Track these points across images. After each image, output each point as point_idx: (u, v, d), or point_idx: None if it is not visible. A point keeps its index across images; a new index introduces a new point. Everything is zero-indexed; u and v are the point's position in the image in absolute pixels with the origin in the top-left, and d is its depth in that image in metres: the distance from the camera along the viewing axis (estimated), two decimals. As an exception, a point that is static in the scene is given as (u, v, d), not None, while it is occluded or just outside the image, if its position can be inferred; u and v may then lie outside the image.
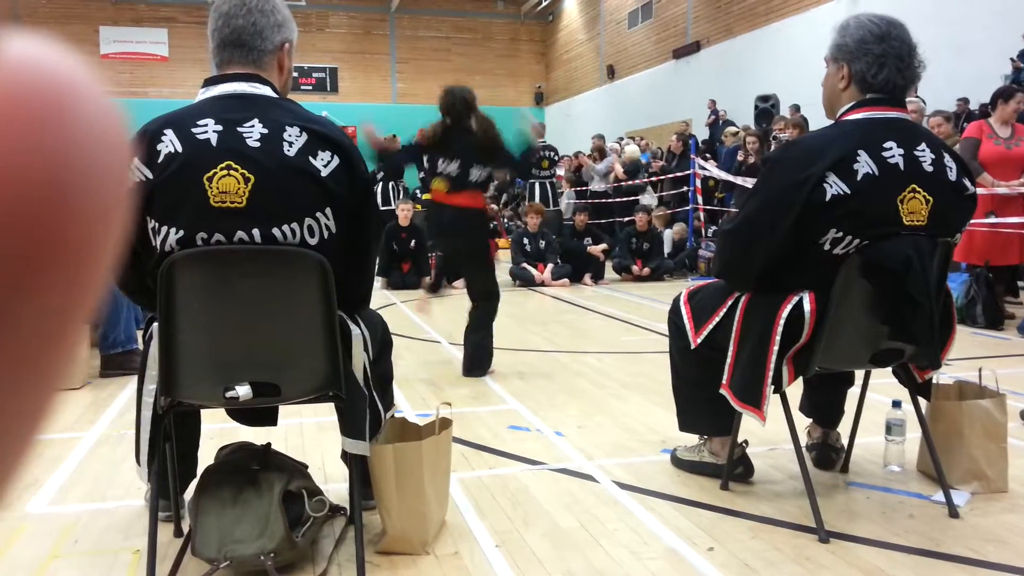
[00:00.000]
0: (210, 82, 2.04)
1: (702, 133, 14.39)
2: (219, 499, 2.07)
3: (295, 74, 2.36)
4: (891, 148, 2.25)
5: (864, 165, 2.22)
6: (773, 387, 2.34)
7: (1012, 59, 9.52)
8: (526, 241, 8.97)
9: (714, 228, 9.61)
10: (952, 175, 2.31)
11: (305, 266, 1.93)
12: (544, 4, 24.08)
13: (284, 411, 2.39)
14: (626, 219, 10.44)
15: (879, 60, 2.30)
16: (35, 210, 0.20)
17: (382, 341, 2.33)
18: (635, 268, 9.11)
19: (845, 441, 2.84)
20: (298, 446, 3.04)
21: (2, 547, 2.24)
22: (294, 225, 1.93)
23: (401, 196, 10.27)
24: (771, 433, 2.87)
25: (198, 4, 21.44)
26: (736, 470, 2.66)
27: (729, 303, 2.50)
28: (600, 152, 12.09)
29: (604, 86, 21.45)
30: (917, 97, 6.96)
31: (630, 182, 11.51)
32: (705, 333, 2.56)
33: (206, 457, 2.38)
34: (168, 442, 2.17)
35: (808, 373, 2.39)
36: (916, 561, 2.13)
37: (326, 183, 1.95)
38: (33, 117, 0.20)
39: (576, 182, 12.26)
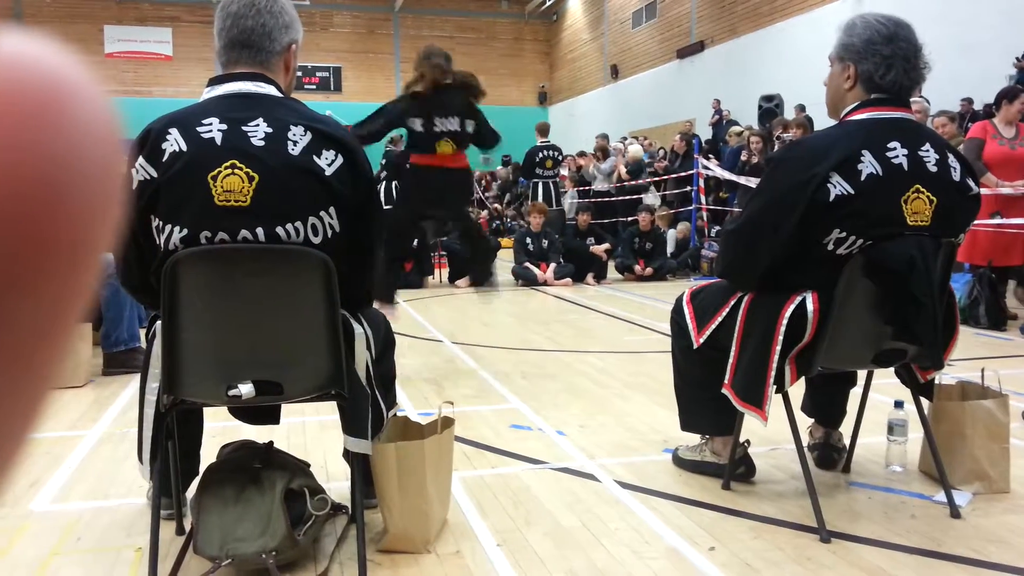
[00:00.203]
0: (215, 81, 2.04)
1: (705, 133, 14.38)
2: (221, 497, 2.08)
3: (299, 73, 2.36)
4: (895, 148, 2.25)
5: (868, 165, 2.22)
6: (775, 387, 2.34)
7: (1017, 59, 9.50)
8: (529, 240, 8.97)
9: (717, 228, 9.60)
10: (956, 175, 2.30)
11: (309, 265, 1.94)
12: (548, 4, 24.06)
13: (286, 409, 2.39)
14: (629, 219, 10.44)
15: (887, 61, 2.30)
16: (29, 207, 0.20)
17: (385, 340, 2.33)
18: (638, 268, 9.10)
19: (847, 441, 2.84)
20: (300, 444, 3.05)
21: (5, 545, 2.25)
22: (298, 224, 1.93)
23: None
24: (773, 433, 2.87)
25: (202, 3, 21.46)
26: (738, 470, 2.66)
27: (732, 303, 2.49)
28: (603, 152, 12.09)
29: (608, 86, 21.44)
30: (922, 97, 6.95)
31: (633, 182, 11.50)
32: (708, 333, 2.56)
33: (208, 455, 2.38)
34: (170, 440, 2.17)
35: (811, 373, 2.39)
36: (918, 561, 2.13)
37: (330, 182, 1.95)
38: (27, 114, 0.20)
39: (579, 182, 12.26)
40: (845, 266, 2.24)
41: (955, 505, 2.41)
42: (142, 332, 3.99)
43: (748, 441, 2.69)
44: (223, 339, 1.98)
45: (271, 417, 2.31)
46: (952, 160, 2.32)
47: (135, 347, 4.25)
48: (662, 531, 2.32)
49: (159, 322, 1.97)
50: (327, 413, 3.15)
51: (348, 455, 2.18)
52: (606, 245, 9.26)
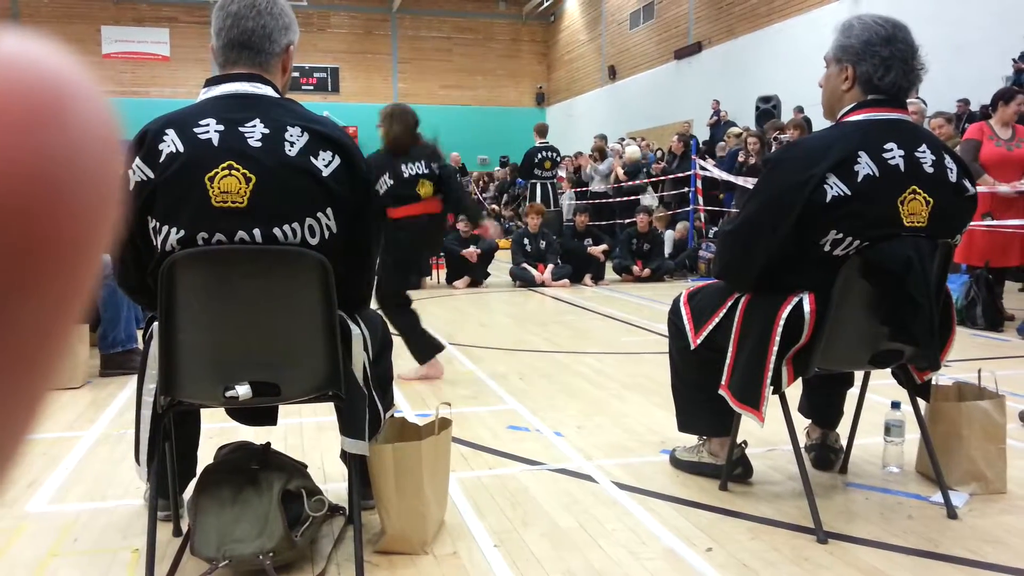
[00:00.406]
0: (212, 82, 2.04)
1: (703, 134, 14.39)
2: (218, 498, 2.07)
3: (295, 74, 2.36)
4: (892, 149, 2.25)
5: (864, 166, 2.22)
6: (772, 388, 2.34)
7: (1013, 60, 9.51)
8: (526, 241, 8.98)
9: (715, 229, 9.61)
10: (953, 176, 2.31)
11: (306, 266, 1.93)
12: (546, 4, 24.08)
13: (283, 411, 2.39)
14: (627, 220, 10.44)
15: (886, 63, 2.30)
16: (27, 207, 0.20)
17: (382, 341, 2.33)
18: (635, 269, 9.11)
19: (844, 442, 2.84)
20: (297, 446, 3.05)
21: (2, 546, 2.24)
22: (295, 225, 1.93)
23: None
24: (770, 434, 2.87)
25: (200, 4, 21.45)
26: (735, 471, 2.66)
27: (729, 304, 2.50)
28: (601, 153, 12.10)
29: (605, 87, 21.45)
30: (918, 98, 6.96)
31: (631, 183, 11.51)
32: (705, 334, 2.56)
33: (205, 456, 2.38)
34: (167, 441, 2.17)
35: (807, 374, 2.40)
36: (914, 562, 2.13)
37: (327, 183, 1.95)
38: (26, 114, 0.20)
39: (577, 183, 12.26)
40: (842, 267, 2.24)
41: (952, 506, 2.42)
42: (139, 333, 3.99)
43: (745, 442, 2.69)
44: (220, 340, 1.98)
45: (268, 418, 2.31)
46: (948, 161, 2.32)
47: (132, 348, 4.24)
48: (659, 532, 2.32)
49: (156, 323, 1.97)
50: (324, 414, 3.15)
51: (345, 456, 2.18)
52: (604, 246, 9.26)
